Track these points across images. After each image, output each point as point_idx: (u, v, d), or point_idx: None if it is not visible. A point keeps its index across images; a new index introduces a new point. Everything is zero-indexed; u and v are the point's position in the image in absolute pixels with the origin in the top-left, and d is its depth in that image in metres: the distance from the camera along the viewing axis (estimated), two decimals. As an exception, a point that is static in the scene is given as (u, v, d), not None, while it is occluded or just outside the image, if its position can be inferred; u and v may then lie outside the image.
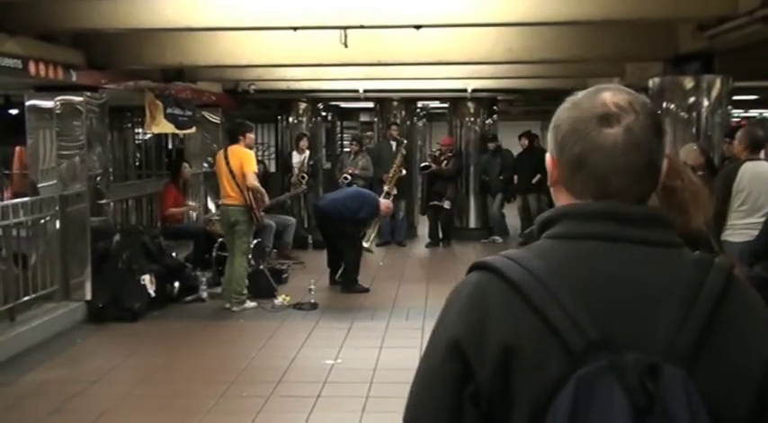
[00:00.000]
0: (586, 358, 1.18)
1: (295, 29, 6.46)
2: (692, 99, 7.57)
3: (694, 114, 7.59)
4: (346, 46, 6.91)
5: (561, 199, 1.36)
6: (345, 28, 6.56)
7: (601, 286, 1.24)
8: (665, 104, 7.70)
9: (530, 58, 7.86)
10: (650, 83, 7.87)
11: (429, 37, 7.29)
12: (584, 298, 1.22)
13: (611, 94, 1.31)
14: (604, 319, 1.21)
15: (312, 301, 8.31)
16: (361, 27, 6.31)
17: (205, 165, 11.48)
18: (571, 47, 7.74)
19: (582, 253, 1.27)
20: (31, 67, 6.65)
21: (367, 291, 9.11)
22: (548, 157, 1.38)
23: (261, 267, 8.84)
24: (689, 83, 7.54)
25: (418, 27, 6.37)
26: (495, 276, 1.26)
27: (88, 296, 7.78)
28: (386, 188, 11.45)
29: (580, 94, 1.37)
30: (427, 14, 6.23)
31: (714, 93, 7.52)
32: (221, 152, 8.33)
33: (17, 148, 11.21)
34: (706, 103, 7.54)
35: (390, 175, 11.77)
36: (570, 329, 1.19)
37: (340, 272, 9.32)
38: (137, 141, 14.97)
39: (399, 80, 11.26)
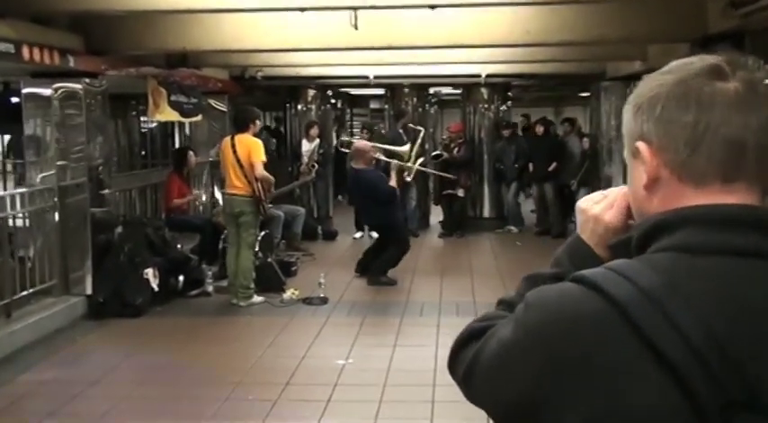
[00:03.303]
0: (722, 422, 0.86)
1: (302, 10, 6.10)
2: (721, 82, 7.17)
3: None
4: (356, 28, 6.55)
5: (668, 200, 1.02)
6: (356, 8, 6.20)
7: (743, 321, 0.91)
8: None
9: (548, 40, 7.47)
10: (676, 66, 7.48)
11: (443, 19, 6.93)
12: (719, 336, 0.89)
13: (707, 55, 1.04)
14: (748, 369, 0.88)
15: (322, 295, 8.00)
16: (373, 8, 5.96)
17: (212, 153, 11.16)
18: (592, 28, 7.36)
19: (714, 273, 0.94)
20: (25, 52, 6.31)
21: (394, 284, 8.79)
22: (640, 147, 1.03)
23: (269, 260, 8.53)
24: (718, 65, 7.14)
25: (433, 7, 6.01)
26: (594, 294, 0.95)
27: (88, 291, 7.48)
28: (407, 178, 11.08)
29: (667, 66, 1.05)
30: (443, -7, 5.87)
31: (745, 75, 7.12)
32: (227, 140, 8.00)
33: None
34: (736, 86, 7.14)
35: (410, 164, 11.34)
36: (702, 379, 0.87)
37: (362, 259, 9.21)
38: (142, 130, 14.65)
39: (411, 65, 10.88)
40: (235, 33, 7.60)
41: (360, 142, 9.79)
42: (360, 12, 6.47)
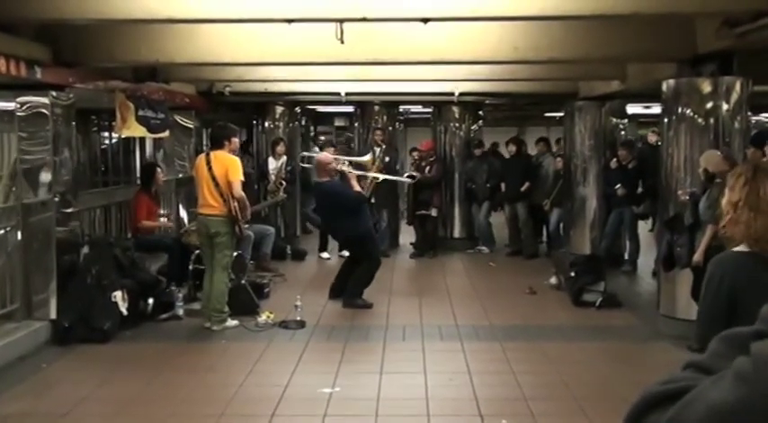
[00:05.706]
0: None
1: (290, 21, 5.82)
2: (709, 104, 7.06)
3: (712, 120, 7.08)
4: (342, 42, 6.30)
5: None
6: (345, 20, 5.94)
7: None
8: (680, 109, 7.21)
9: (536, 57, 7.30)
10: (664, 86, 7.37)
11: (430, 34, 6.70)
12: None
13: None
14: None
15: (299, 318, 7.68)
16: (364, 20, 5.69)
17: (178, 168, 10.78)
18: (580, 45, 7.21)
19: None
20: (-9, 62, 5.93)
21: (370, 307, 8.50)
22: None
23: (242, 282, 8.18)
24: (707, 86, 7.04)
25: (426, 20, 5.77)
26: None
27: (53, 315, 7.03)
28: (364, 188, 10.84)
29: None
30: (437, 7, 5.64)
31: (734, 97, 7.02)
32: (202, 157, 7.65)
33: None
34: (725, 107, 7.04)
35: (368, 181, 11.02)
36: None
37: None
38: (102, 146, 14.14)
39: (384, 82, 10.64)
40: (212, 46, 7.28)
41: (320, 155, 9.64)
42: (345, 25, 6.22)
